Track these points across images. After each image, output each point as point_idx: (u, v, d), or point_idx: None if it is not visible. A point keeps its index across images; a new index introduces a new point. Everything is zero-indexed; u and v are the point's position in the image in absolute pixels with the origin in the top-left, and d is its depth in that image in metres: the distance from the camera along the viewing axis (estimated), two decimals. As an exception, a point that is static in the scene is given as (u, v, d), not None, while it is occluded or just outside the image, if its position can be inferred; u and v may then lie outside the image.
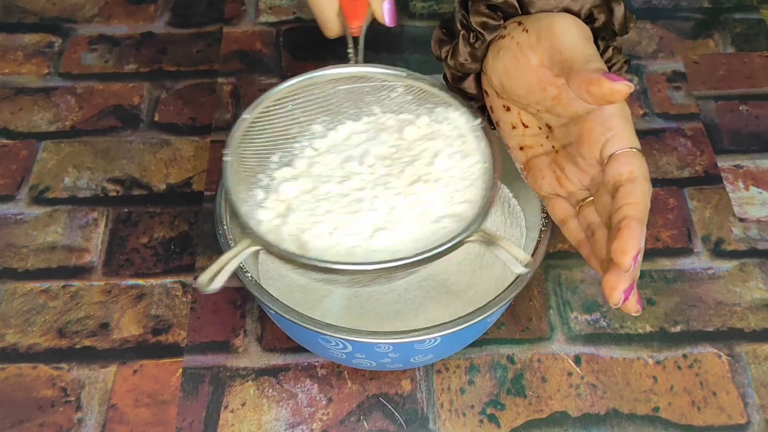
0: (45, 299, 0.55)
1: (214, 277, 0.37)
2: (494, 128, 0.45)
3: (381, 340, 0.42)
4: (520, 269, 0.38)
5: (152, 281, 0.56)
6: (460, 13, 0.42)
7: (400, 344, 0.43)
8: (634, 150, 0.37)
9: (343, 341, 0.43)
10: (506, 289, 0.44)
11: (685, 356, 0.52)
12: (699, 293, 0.55)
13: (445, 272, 0.52)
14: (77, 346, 0.53)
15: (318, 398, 0.50)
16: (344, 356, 0.46)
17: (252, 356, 0.52)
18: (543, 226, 0.46)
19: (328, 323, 0.42)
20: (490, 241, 0.39)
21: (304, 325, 0.42)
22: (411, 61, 0.70)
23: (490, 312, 0.42)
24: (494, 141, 0.44)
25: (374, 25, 0.47)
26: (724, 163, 0.63)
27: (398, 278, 0.44)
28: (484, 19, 0.41)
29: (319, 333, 0.42)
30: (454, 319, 0.42)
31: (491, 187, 0.42)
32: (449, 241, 0.39)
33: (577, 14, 0.40)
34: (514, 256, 0.38)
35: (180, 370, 0.52)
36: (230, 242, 0.45)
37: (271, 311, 0.44)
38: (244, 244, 0.39)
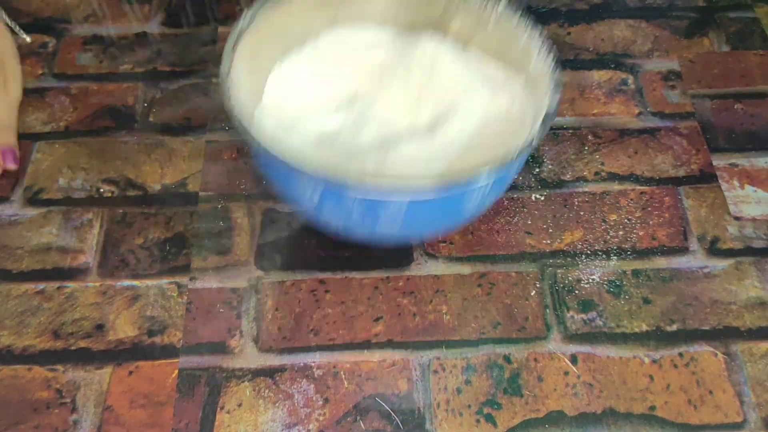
0: (40, 300, 0.55)
1: None
2: None
3: (354, 183, 0.37)
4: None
5: (147, 282, 0.56)
6: None
7: (369, 200, 0.38)
8: None
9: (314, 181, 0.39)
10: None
11: (681, 355, 0.52)
12: (695, 292, 0.55)
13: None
14: (72, 348, 0.53)
15: (314, 399, 0.50)
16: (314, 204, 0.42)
17: (248, 357, 0.52)
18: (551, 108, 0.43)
19: (306, 158, 0.39)
20: None
21: (280, 157, 0.39)
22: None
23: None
24: None
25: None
26: (719, 161, 0.63)
27: None
28: None
29: (295, 169, 0.39)
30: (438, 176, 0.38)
31: None
32: None
33: None
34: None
35: (176, 371, 0.52)
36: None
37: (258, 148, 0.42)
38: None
